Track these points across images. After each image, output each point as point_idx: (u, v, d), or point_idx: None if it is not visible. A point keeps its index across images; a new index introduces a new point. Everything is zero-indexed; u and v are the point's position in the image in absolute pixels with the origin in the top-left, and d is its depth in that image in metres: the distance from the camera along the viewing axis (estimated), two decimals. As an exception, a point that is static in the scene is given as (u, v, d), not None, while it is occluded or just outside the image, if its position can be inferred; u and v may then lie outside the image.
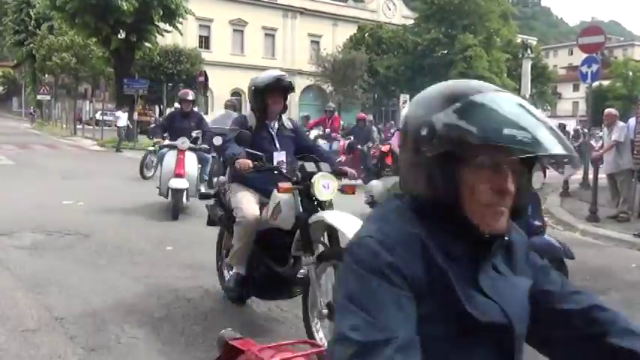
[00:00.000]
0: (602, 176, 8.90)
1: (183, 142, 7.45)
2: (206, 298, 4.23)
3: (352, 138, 11.84)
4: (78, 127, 28.28)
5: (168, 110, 30.92)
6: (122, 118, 19.66)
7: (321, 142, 12.14)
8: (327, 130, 12.94)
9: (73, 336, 3.39)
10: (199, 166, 7.95)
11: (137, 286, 4.45)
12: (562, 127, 18.73)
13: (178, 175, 7.33)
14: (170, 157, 7.52)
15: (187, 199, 7.59)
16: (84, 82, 37.88)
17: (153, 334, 3.47)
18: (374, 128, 14.30)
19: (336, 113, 14.15)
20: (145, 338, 3.41)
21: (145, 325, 3.62)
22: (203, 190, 7.72)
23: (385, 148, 10.91)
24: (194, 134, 7.70)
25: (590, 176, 9.80)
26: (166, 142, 7.72)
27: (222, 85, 38.79)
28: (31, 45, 39.30)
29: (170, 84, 31.16)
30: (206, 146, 7.77)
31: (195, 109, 8.56)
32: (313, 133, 12.61)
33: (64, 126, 31.47)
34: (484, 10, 37.94)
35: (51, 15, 26.37)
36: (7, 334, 3.36)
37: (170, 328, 3.60)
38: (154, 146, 11.35)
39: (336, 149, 12.42)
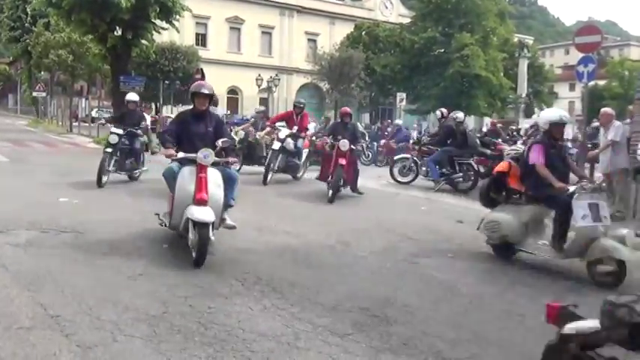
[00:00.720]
0: (599, 175, 8.95)
1: (205, 155, 5.26)
2: (203, 295, 4.23)
3: (340, 137, 9.86)
4: (74, 124, 28.19)
5: (165, 109, 31.03)
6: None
7: (289, 142, 11.39)
8: (296, 128, 11.52)
9: (69, 334, 3.38)
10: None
11: (133, 283, 4.45)
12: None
13: (200, 202, 5.12)
14: (187, 176, 5.33)
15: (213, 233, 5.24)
16: (80, 80, 37.77)
17: (149, 332, 3.47)
18: (358, 125, 12.70)
19: (305, 110, 12.13)
20: (141, 336, 3.40)
21: (141, 322, 3.61)
22: (228, 220, 5.66)
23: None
24: (219, 143, 5.54)
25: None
26: (180, 154, 5.46)
27: (219, 82, 38.65)
28: (27, 41, 39.19)
29: (167, 81, 31.13)
30: (234, 159, 6.12)
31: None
32: (284, 132, 11.46)
33: (60, 123, 31.35)
34: (481, 9, 37.92)
35: (47, 12, 26.26)
36: (1, 332, 3.34)
37: (167, 325, 3.59)
38: (107, 147, 9.87)
39: (300, 147, 11.67)
